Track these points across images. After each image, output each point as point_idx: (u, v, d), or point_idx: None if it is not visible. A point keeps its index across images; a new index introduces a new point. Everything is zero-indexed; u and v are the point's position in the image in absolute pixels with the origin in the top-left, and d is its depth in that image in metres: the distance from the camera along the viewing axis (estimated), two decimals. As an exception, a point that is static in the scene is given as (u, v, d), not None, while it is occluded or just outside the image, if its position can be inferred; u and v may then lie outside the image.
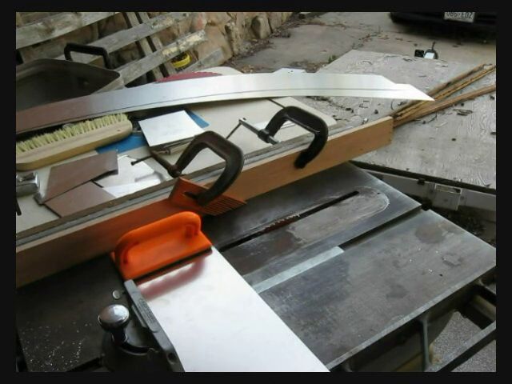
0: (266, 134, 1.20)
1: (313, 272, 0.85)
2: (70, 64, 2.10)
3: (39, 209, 1.09)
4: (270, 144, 1.18)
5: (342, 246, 0.92)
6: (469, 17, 5.21)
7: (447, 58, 3.95)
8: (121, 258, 0.82)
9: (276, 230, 0.98)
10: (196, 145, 1.05)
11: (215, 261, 0.87)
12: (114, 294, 0.79)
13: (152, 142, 1.35)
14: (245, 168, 0.97)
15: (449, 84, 2.94)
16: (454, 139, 2.42)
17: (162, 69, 3.94)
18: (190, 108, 1.57)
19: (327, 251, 0.91)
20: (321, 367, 0.65)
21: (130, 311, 0.65)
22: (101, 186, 1.18)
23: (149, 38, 3.83)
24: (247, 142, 1.25)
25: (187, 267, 0.85)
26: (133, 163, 1.23)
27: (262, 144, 1.21)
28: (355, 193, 1.08)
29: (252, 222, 0.99)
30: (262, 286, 0.83)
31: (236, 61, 5.22)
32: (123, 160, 1.28)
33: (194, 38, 4.33)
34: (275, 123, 1.20)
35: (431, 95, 2.48)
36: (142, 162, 1.24)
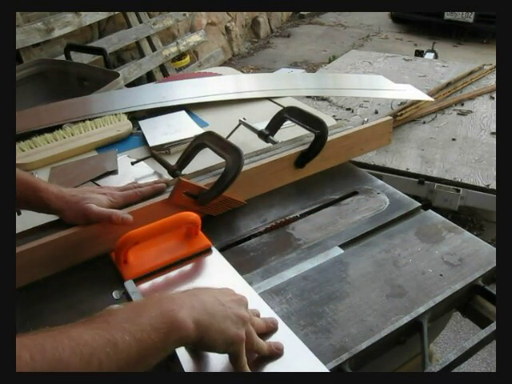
0: (266, 134, 1.20)
1: (313, 272, 0.85)
2: (70, 64, 2.10)
3: (39, 209, 1.09)
4: (270, 144, 1.18)
5: (342, 246, 0.92)
6: (469, 17, 5.21)
7: (447, 58, 3.95)
8: (121, 258, 0.82)
9: (276, 229, 0.98)
10: (196, 145, 1.05)
11: (215, 261, 0.87)
12: (114, 294, 0.80)
13: (152, 142, 1.35)
14: (245, 168, 0.97)
15: (449, 84, 2.94)
16: (453, 139, 2.42)
17: (162, 69, 3.94)
18: (190, 108, 1.57)
19: (327, 251, 0.90)
20: (321, 367, 0.65)
21: (130, 311, 0.65)
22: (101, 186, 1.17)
23: (149, 38, 3.83)
24: (247, 142, 1.25)
25: (187, 267, 0.85)
26: (133, 163, 1.23)
27: (262, 144, 1.20)
28: (355, 193, 1.08)
29: (252, 222, 0.99)
30: (262, 286, 0.83)
31: (236, 61, 5.22)
32: (123, 160, 1.28)
33: (194, 38, 4.34)
34: (275, 123, 1.20)
35: (431, 95, 2.48)
36: (142, 162, 1.24)
